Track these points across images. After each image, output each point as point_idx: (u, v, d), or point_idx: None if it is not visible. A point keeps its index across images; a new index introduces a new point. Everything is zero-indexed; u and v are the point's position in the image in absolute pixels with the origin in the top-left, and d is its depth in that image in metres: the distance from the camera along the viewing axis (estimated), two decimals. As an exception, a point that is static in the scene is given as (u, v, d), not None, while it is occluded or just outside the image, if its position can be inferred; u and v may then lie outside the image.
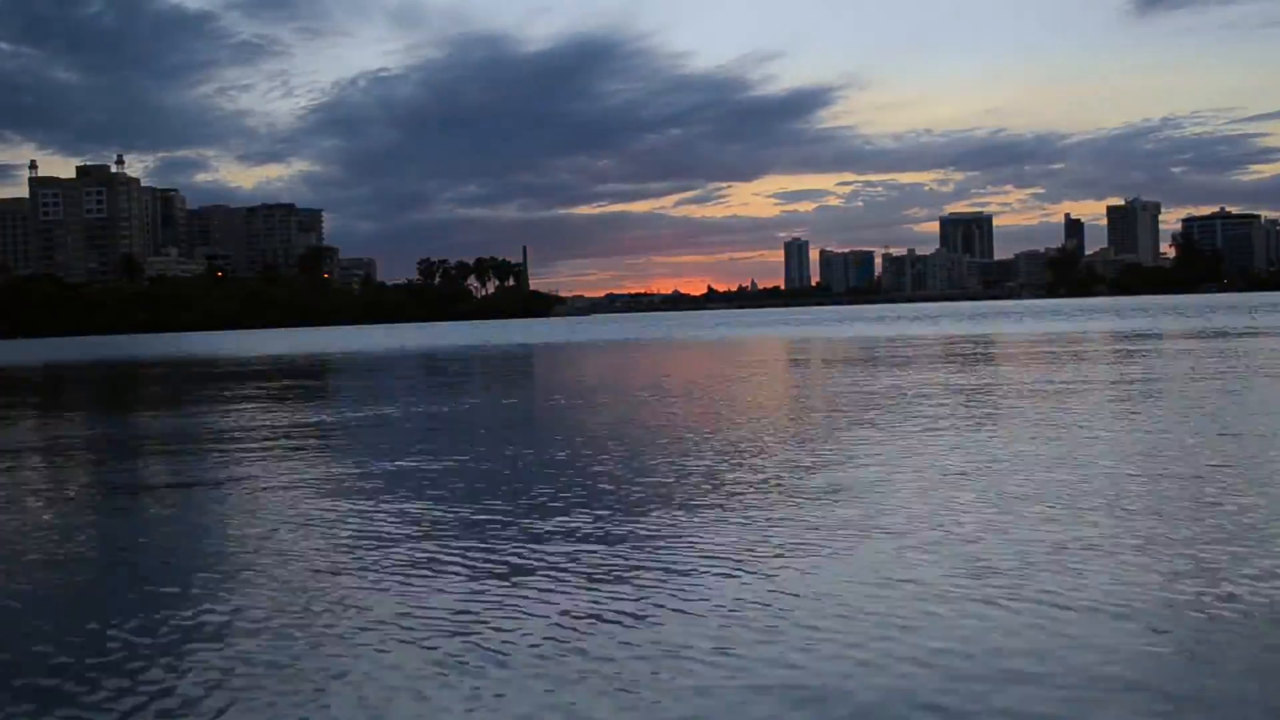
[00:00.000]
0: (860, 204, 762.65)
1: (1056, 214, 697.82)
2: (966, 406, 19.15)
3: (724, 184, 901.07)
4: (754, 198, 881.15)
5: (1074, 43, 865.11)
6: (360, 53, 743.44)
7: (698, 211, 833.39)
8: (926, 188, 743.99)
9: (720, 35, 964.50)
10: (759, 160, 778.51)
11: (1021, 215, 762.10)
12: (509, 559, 8.65)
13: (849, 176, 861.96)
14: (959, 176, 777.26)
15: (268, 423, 21.03)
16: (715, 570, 8.05)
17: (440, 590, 7.81)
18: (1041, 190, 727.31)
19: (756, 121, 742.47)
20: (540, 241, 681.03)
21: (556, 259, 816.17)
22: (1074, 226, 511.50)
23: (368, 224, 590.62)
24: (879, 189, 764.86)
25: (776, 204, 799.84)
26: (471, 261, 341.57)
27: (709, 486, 11.60)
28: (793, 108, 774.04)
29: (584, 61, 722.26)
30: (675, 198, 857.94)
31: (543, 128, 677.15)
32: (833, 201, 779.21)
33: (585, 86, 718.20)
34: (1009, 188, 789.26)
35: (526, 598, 7.48)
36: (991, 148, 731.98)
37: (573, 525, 9.86)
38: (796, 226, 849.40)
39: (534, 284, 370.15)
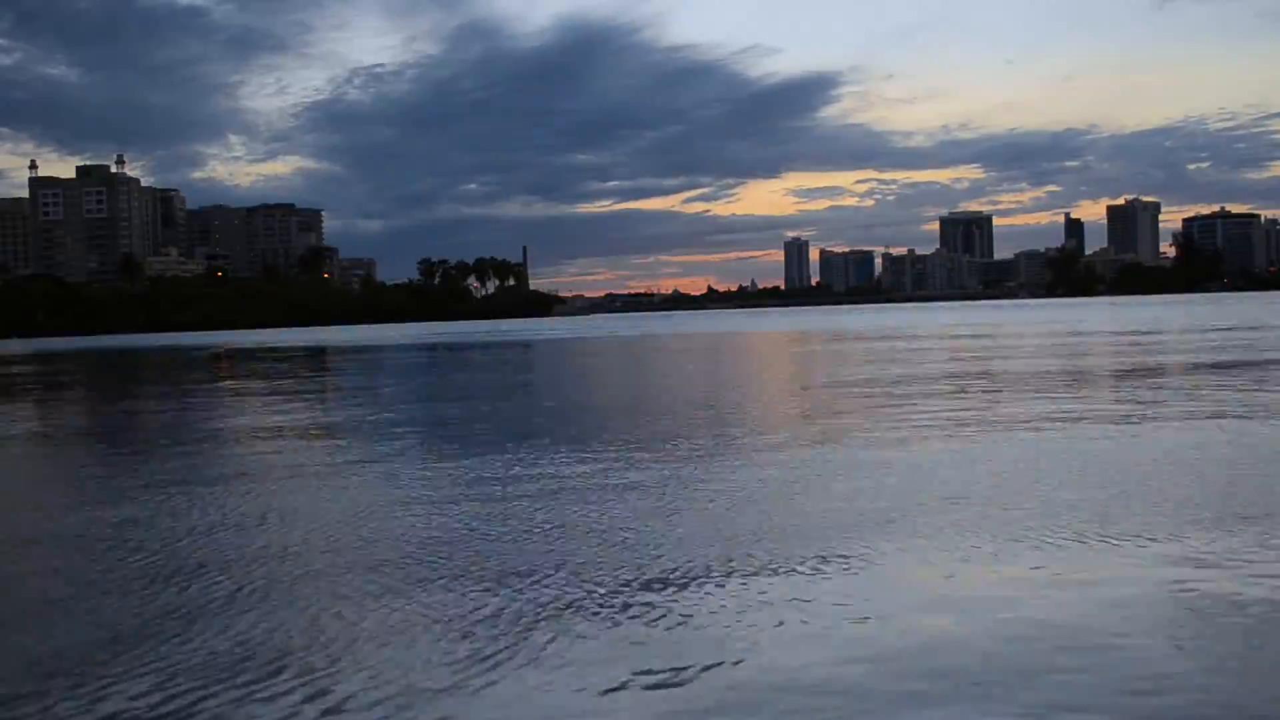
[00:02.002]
0: (872, 202, 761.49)
1: (1076, 213, 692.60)
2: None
3: (737, 181, 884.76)
4: (770, 195, 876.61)
5: (1096, 36, 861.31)
6: (355, 46, 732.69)
7: (711, 209, 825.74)
8: (940, 186, 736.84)
9: (722, 24, 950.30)
10: (773, 157, 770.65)
11: (1038, 215, 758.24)
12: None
13: (868, 174, 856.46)
14: (977, 175, 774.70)
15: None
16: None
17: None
18: (1057, 189, 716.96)
19: (769, 117, 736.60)
20: (547, 240, 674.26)
21: (564, 258, 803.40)
22: (1074, 226, 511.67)
23: (368, 223, 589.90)
24: (894, 186, 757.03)
25: (795, 202, 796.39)
26: (472, 262, 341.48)
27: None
28: (807, 103, 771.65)
29: (584, 54, 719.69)
30: (684, 195, 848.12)
31: (546, 124, 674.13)
32: (849, 200, 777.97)
33: (588, 81, 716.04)
34: (1024, 185, 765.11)
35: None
36: (1009, 146, 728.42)
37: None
38: (811, 225, 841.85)
39: (540, 284, 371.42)
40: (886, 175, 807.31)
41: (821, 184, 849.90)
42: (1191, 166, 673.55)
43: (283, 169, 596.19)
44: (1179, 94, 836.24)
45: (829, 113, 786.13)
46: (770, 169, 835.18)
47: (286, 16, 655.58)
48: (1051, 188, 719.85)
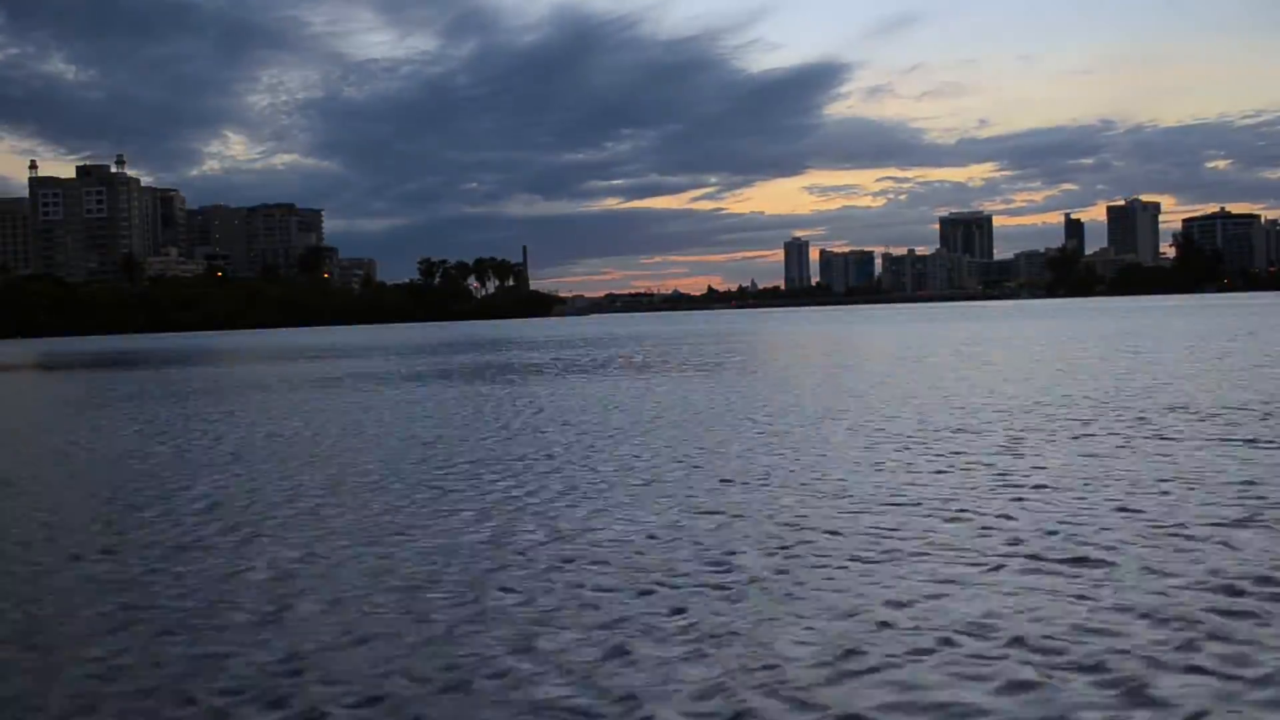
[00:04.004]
0: (883, 201, 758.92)
1: (1094, 212, 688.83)
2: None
3: (751, 178, 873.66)
4: (787, 193, 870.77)
5: (1113, 30, 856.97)
6: (351, 42, 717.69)
7: (725, 207, 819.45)
8: (953, 185, 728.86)
9: (727, 14, 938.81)
10: (791, 154, 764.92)
11: (1048, 215, 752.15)
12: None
13: (889, 172, 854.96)
14: (996, 174, 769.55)
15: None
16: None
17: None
18: (1074, 188, 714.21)
19: (781, 113, 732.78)
20: (555, 240, 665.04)
21: (572, 257, 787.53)
22: (1074, 226, 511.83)
23: (368, 223, 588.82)
24: (907, 185, 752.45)
25: (812, 200, 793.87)
26: (471, 262, 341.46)
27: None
28: (819, 98, 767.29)
29: (584, 48, 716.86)
30: (692, 194, 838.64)
31: (547, 120, 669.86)
32: (864, 200, 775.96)
33: (589, 76, 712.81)
34: (1038, 184, 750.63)
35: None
36: (1026, 144, 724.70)
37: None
38: (825, 224, 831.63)
39: (545, 284, 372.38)
40: (906, 173, 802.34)
41: (842, 182, 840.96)
42: (1210, 165, 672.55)
43: (280, 166, 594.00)
44: (1200, 90, 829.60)
45: (845, 109, 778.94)
46: (789, 166, 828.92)
47: (280, 12, 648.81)
48: (1068, 186, 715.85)
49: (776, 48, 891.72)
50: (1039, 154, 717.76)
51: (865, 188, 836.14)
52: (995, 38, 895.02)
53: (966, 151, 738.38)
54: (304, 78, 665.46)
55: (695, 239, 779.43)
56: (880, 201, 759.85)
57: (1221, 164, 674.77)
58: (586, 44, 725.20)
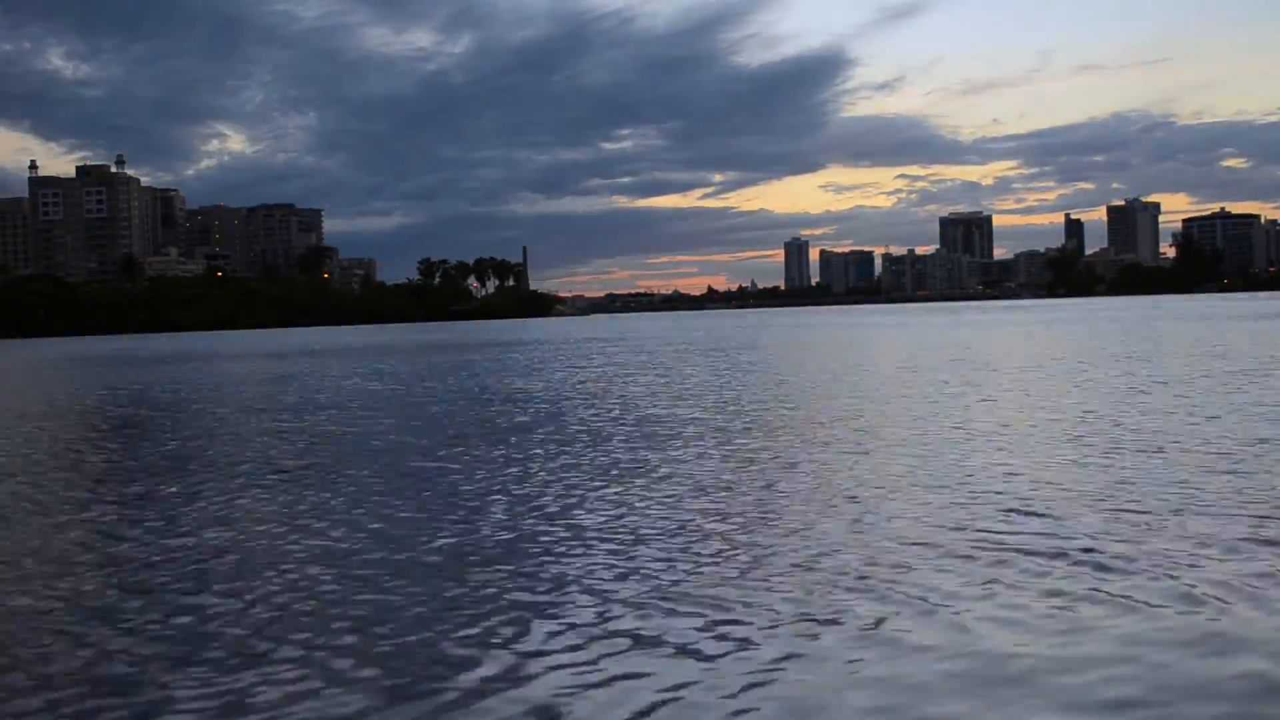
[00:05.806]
0: (895, 200, 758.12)
1: (1095, 214, 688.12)
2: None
3: (765, 176, 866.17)
4: (799, 192, 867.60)
5: (1132, 26, 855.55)
6: (349, 38, 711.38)
7: (732, 206, 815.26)
8: (969, 184, 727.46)
9: (733, 7, 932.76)
10: (801, 152, 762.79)
11: (1054, 215, 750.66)
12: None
13: (910, 169, 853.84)
14: (1016, 171, 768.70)
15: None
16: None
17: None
18: (1089, 186, 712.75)
19: (791, 110, 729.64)
20: (559, 239, 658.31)
21: (577, 256, 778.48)
22: (1074, 226, 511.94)
23: (369, 222, 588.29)
24: (920, 184, 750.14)
25: (829, 198, 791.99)
26: (472, 262, 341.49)
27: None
28: (835, 95, 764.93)
29: (586, 44, 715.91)
30: (700, 192, 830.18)
31: (550, 118, 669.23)
32: (879, 199, 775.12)
33: (592, 72, 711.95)
34: (1051, 183, 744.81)
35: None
36: (1042, 143, 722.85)
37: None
38: (838, 223, 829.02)
39: (554, 283, 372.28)
40: (925, 171, 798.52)
41: (860, 180, 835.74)
42: (1226, 164, 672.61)
43: (278, 164, 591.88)
44: (1219, 88, 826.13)
45: (859, 104, 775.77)
46: (805, 164, 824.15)
47: (273, 7, 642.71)
48: (1084, 185, 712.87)
49: (779, 41, 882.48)
50: (1056, 151, 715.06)
51: (882, 185, 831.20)
52: (1011, 33, 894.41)
53: (985, 149, 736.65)
54: (299, 74, 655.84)
55: (703, 238, 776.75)
56: (891, 201, 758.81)
57: (1238, 162, 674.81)
58: (583, 38, 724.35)
